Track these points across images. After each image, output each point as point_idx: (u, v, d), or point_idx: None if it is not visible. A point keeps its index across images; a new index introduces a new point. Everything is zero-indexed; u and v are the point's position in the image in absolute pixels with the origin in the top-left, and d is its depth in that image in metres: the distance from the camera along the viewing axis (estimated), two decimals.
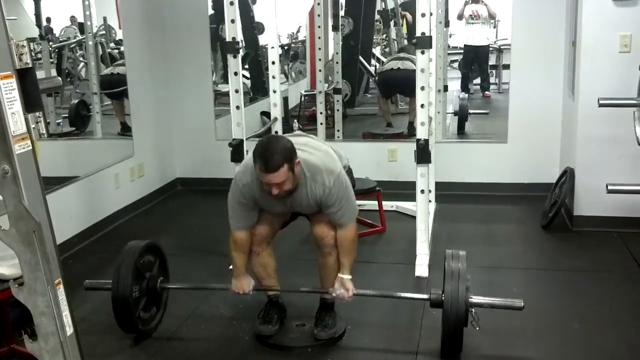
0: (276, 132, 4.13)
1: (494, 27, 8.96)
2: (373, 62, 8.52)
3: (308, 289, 3.24)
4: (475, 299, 2.86)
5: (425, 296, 3.00)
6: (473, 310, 2.83)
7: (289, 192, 2.83)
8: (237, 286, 3.11)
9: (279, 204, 2.95)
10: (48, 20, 5.03)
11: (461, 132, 6.79)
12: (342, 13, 7.47)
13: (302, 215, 3.15)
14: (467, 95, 7.63)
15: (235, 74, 4.01)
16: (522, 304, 2.88)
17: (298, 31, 8.87)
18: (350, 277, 3.01)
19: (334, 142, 5.33)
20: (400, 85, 6.63)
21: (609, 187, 3.87)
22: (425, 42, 3.70)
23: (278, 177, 2.70)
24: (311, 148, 2.97)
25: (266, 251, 3.14)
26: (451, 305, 2.79)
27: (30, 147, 1.52)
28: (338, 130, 6.38)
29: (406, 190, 4.36)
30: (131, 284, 3.04)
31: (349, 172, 3.20)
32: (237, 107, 4.03)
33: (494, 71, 9.07)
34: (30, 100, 1.54)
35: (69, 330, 1.60)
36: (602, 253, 4.21)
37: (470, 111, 6.97)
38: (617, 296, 3.61)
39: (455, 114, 6.91)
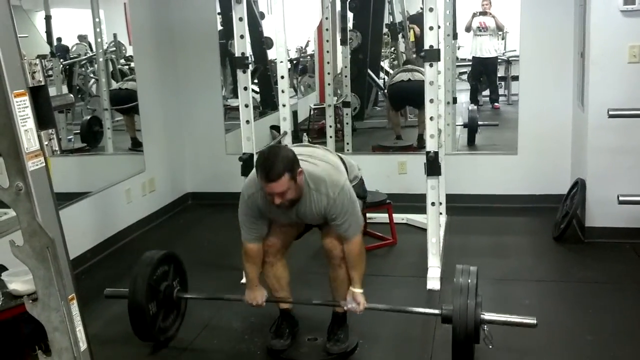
0: (286, 144, 4.15)
1: (502, 39, 8.97)
2: (382, 75, 8.55)
3: (320, 302, 3.23)
4: (487, 315, 2.80)
5: (436, 311, 2.96)
6: (486, 327, 2.79)
7: (292, 203, 2.83)
8: (250, 297, 3.12)
9: (285, 214, 2.95)
10: (59, 39, 5.07)
11: (471, 144, 6.71)
12: (350, 27, 7.50)
13: (314, 226, 3.15)
14: (476, 107, 7.63)
15: (245, 88, 4.03)
16: (535, 321, 2.82)
17: (307, 45, 8.92)
18: (361, 290, 2.99)
19: (344, 154, 5.33)
20: (411, 96, 6.50)
21: (620, 198, 3.85)
22: (433, 55, 3.70)
23: (279, 186, 2.70)
24: (316, 159, 2.97)
25: (280, 262, 3.15)
26: (460, 322, 2.74)
27: (44, 164, 1.53)
28: (347, 143, 6.41)
29: (417, 203, 4.35)
30: (147, 296, 3.04)
31: (361, 182, 3.20)
32: (247, 122, 4.04)
33: (503, 83, 9.05)
34: (43, 118, 1.55)
35: (83, 345, 1.60)
36: (614, 264, 4.18)
37: (480, 122, 6.91)
38: (630, 308, 3.58)
39: (465, 126, 6.84)
